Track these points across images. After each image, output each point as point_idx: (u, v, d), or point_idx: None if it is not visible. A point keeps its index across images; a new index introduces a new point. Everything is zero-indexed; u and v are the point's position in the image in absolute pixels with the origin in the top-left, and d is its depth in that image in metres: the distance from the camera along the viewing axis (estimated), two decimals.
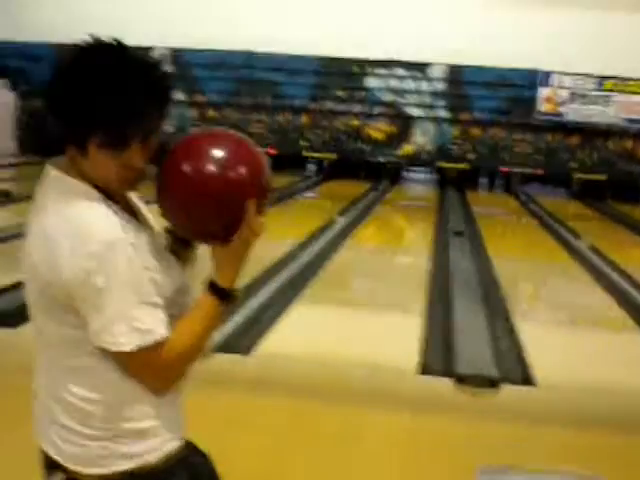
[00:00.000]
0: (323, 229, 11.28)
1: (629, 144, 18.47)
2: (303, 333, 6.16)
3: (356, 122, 19.06)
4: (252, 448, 4.03)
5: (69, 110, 1.74)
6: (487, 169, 19.27)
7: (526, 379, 5.38)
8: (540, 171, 18.78)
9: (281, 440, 4.12)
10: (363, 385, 5.06)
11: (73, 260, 1.71)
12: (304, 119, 19.16)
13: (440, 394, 4.97)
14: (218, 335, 5.69)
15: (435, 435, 4.32)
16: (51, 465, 1.88)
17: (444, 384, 5.12)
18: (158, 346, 1.79)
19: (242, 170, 1.80)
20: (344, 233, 11.23)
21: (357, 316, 6.99)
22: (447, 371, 5.37)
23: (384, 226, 13.66)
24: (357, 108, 18.92)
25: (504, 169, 18.92)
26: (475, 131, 18.75)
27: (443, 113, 18.67)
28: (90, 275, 1.71)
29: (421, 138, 18.92)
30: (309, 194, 16.92)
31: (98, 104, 1.72)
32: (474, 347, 5.86)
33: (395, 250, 9.54)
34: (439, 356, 5.82)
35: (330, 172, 19.36)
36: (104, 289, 1.72)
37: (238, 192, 1.78)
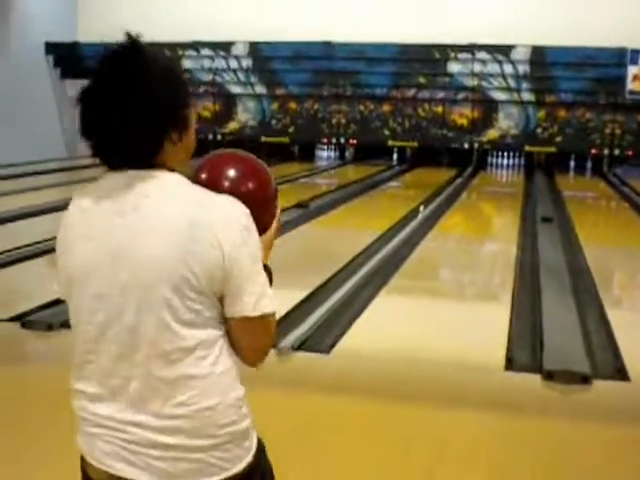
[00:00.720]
0: (408, 219, 11.13)
1: None
2: (387, 326, 6.03)
3: (439, 108, 18.79)
4: (333, 451, 3.91)
5: (137, 128, 1.79)
6: (575, 152, 18.79)
7: (620, 374, 5.13)
8: (631, 152, 18.22)
9: (363, 443, 3.99)
10: (449, 384, 4.89)
11: (229, 235, 1.78)
12: (385, 107, 18.97)
13: (528, 392, 4.77)
14: (299, 331, 5.61)
15: (523, 436, 4.13)
16: None
17: (532, 381, 4.91)
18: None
19: (250, 185, 1.99)
20: (429, 222, 11.06)
21: (443, 308, 6.82)
22: (535, 367, 5.17)
23: (470, 214, 13.41)
24: (440, 94, 18.65)
25: (593, 151, 18.41)
26: (561, 113, 18.28)
27: (528, 96, 18.25)
28: (245, 245, 1.80)
29: (506, 122, 18.53)
30: (393, 184, 16.75)
31: (169, 107, 1.83)
32: (564, 340, 5.63)
33: (482, 239, 9.32)
34: (527, 351, 5.62)
35: (414, 160, 19.17)
36: (256, 258, 1.83)
37: (253, 201, 1.91)
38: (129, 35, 1.89)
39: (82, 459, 1.90)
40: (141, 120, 1.79)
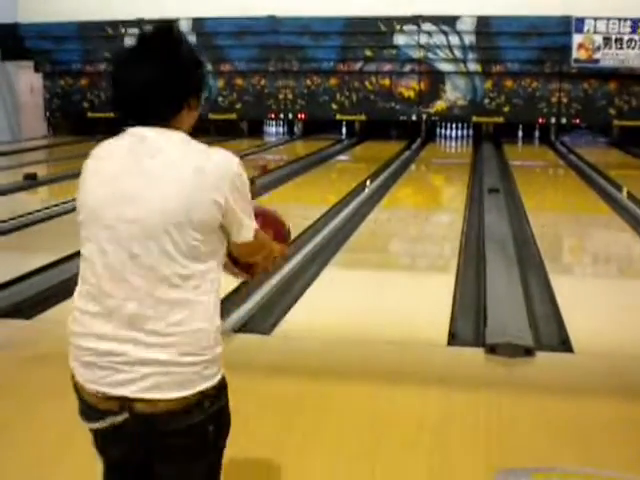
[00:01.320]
0: (356, 193, 11.06)
1: None
2: (331, 304, 5.94)
3: (386, 81, 18.71)
4: (272, 432, 3.83)
5: (167, 89, 2.22)
6: (523, 121, 18.84)
7: (564, 345, 5.10)
8: (578, 120, 18.30)
9: (305, 424, 3.91)
10: (392, 361, 4.82)
11: (227, 181, 2.20)
12: (333, 81, 18.84)
13: (471, 366, 4.70)
14: (240, 313, 5.52)
15: (467, 411, 4.07)
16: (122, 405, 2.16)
17: (476, 355, 4.86)
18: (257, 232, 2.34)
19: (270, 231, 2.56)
20: (378, 195, 11.00)
21: (388, 283, 6.75)
22: (479, 341, 5.12)
23: (419, 186, 13.38)
24: (386, 67, 18.56)
25: (541, 120, 18.46)
26: (508, 83, 18.30)
27: (474, 66, 18.23)
28: (240, 187, 2.24)
29: (453, 94, 18.51)
30: (342, 157, 16.66)
31: (192, 77, 2.30)
32: (507, 313, 5.58)
33: (430, 211, 9.28)
34: (470, 325, 5.58)
35: (362, 134, 19.09)
36: (247, 196, 2.27)
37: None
38: (165, 21, 2.32)
39: (76, 385, 2.24)
40: (170, 85, 2.22)
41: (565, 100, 18.19)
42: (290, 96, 19.01)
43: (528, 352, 4.83)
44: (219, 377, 2.24)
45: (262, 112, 19.35)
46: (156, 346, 2.13)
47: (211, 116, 18.94)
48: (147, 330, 2.14)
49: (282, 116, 19.36)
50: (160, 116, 2.22)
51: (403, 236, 8.69)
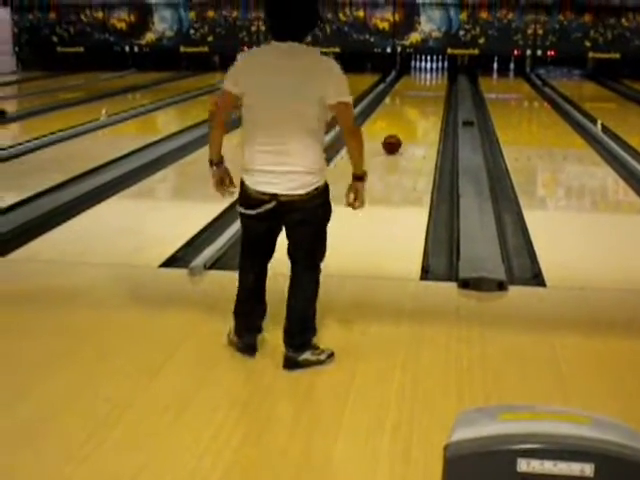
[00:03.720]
0: (331, 126, 10.94)
1: None
2: None
3: (360, 13, 18.46)
4: (243, 373, 3.83)
5: (307, 17, 3.62)
6: (498, 53, 18.70)
7: (536, 279, 5.11)
8: (553, 52, 18.19)
9: (274, 363, 3.90)
10: (365, 295, 4.81)
11: (336, 73, 3.60)
12: None
13: (444, 301, 4.71)
14: (211, 250, 5.46)
15: (439, 345, 4.08)
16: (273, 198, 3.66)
17: (449, 289, 4.86)
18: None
19: None
20: None
21: (362, 217, 6.70)
22: (452, 275, 5.12)
23: (393, 119, 13.26)
24: None
25: (516, 52, 18.34)
26: (483, 14, 18.12)
27: None
28: (343, 77, 3.62)
29: (428, 25, 18.31)
30: None
31: (317, 12, 3.72)
32: (480, 247, 5.58)
33: (405, 144, 9.18)
34: (443, 259, 5.57)
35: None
36: (345, 81, 3.63)
37: None
38: None
39: (247, 191, 3.71)
40: (309, 12, 3.63)
41: (540, 32, 18.06)
42: (262, 28, 18.74)
43: (501, 286, 4.84)
44: (324, 181, 3.77)
45: (234, 45, 19.06)
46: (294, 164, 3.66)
47: (182, 49, 18.67)
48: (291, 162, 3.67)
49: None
50: (300, 33, 3.59)
51: (377, 170, 8.62)
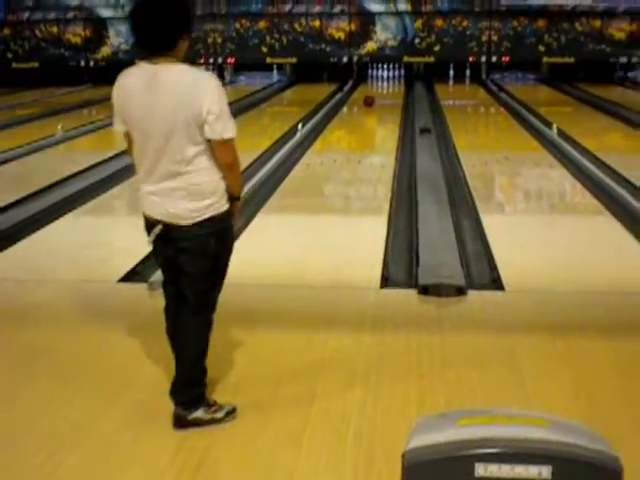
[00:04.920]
0: (288, 137, 10.96)
1: (597, 23, 18.03)
2: (264, 249, 5.89)
3: (316, 23, 18.51)
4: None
5: (168, 25, 3.16)
6: (454, 61, 18.84)
7: (495, 284, 5.14)
8: (508, 58, 18.37)
9: (239, 370, 3.88)
10: (325, 304, 4.81)
11: (211, 91, 3.13)
12: (262, 24, 18.59)
13: (404, 308, 4.72)
14: None
15: (400, 352, 4.09)
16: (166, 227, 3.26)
17: (408, 297, 4.87)
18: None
19: None
20: (310, 139, 10.92)
21: (321, 227, 6.71)
22: (411, 282, 5.14)
23: (351, 129, 13.31)
24: (316, 8, 18.35)
25: (471, 59, 18.49)
26: (438, 22, 18.25)
27: (404, 6, 18.13)
28: (220, 98, 3.14)
29: (383, 34, 18.40)
30: (273, 102, 16.49)
31: (187, 16, 3.26)
32: (439, 254, 5.61)
33: (362, 153, 9.23)
34: (403, 267, 5.59)
35: (294, 77, 18.92)
36: (224, 104, 3.16)
37: None
38: None
39: (144, 216, 3.33)
40: (168, 24, 3.15)
41: (495, 38, 18.23)
42: (219, 40, 18.72)
43: (460, 291, 4.87)
44: (226, 207, 3.30)
45: (191, 57, 18.99)
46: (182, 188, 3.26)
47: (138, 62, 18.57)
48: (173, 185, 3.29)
49: (212, 60, 19.06)
50: (164, 47, 3.16)
51: (336, 180, 8.64)
